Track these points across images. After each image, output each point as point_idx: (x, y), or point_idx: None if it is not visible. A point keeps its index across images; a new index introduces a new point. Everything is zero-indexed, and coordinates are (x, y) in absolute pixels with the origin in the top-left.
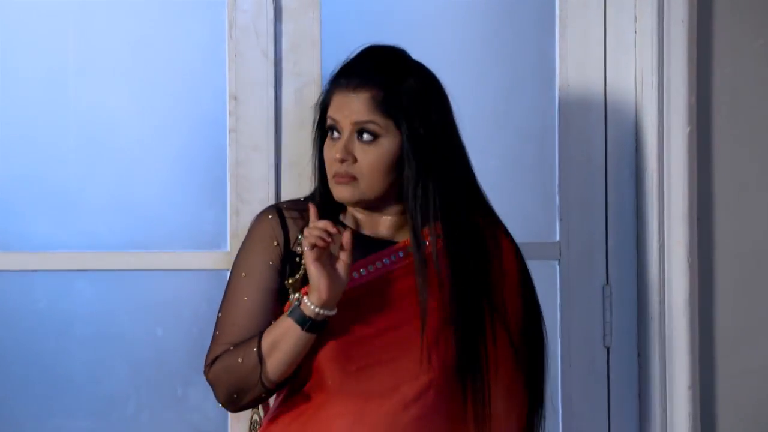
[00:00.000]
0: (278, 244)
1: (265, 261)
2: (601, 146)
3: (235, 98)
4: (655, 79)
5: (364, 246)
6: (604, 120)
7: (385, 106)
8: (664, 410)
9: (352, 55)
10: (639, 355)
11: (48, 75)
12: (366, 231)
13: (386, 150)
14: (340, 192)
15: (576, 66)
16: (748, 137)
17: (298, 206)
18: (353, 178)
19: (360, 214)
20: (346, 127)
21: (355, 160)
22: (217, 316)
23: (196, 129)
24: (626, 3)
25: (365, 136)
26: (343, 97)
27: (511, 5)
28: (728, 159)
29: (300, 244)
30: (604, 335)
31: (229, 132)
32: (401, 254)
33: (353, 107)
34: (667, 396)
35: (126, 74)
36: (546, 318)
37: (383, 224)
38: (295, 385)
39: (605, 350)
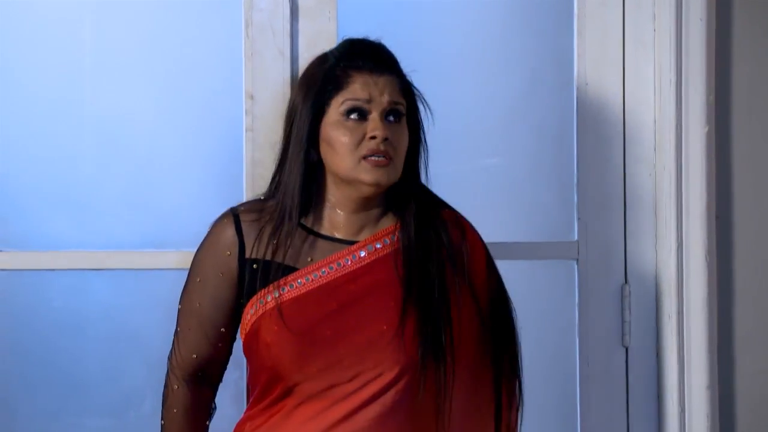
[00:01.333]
0: (231, 254)
1: (216, 273)
2: (620, 145)
3: (252, 97)
4: (673, 77)
5: (323, 247)
6: (623, 119)
7: (405, 90)
8: (683, 410)
9: (341, 46)
10: (657, 354)
11: (64, 74)
12: (325, 232)
13: (407, 132)
14: (378, 175)
15: (594, 64)
16: (767, 136)
17: (257, 207)
18: (390, 160)
19: (339, 213)
20: (378, 107)
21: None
22: (178, 308)
23: (213, 128)
24: (645, 1)
25: (395, 117)
26: (368, 78)
27: (529, 4)
28: (746, 158)
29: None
30: (623, 335)
31: (246, 131)
32: (362, 254)
33: (385, 89)
34: (685, 396)
35: (142, 73)
36: (564, 318)
37: (350, 224)
38: (264, 389)
39: (624, 350)
